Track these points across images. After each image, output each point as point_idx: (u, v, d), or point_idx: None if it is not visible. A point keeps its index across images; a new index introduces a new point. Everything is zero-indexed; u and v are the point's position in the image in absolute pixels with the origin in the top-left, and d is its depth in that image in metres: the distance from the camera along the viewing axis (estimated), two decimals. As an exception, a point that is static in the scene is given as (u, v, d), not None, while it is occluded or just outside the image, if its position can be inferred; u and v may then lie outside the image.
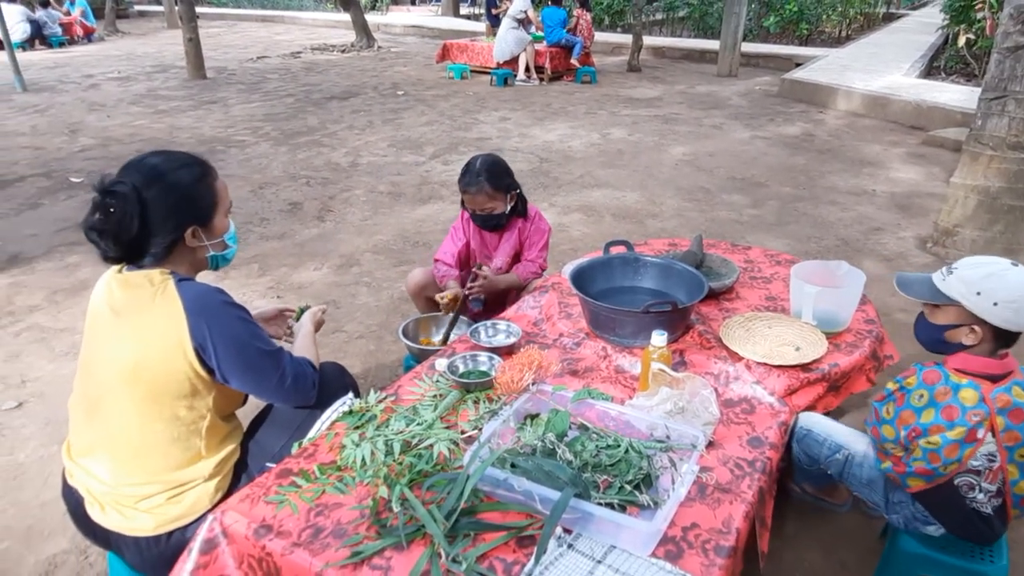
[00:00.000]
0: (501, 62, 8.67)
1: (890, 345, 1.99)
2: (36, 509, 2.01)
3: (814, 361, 1.68)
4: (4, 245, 3.90)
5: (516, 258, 2.46)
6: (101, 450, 1.39)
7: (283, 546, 1.17)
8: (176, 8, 9.66)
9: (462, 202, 2.37)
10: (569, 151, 5.79)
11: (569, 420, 1.41)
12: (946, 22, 9.10)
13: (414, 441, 1.39)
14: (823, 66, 8.88)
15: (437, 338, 2.35)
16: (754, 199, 4.67)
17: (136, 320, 1.33)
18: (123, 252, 1.33)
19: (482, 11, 14.71)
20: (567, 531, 1.19)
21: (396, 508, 1.21)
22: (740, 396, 1.59)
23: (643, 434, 1.39)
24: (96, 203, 1.30)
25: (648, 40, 10.92)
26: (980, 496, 1.40)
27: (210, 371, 1.36)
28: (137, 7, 18.02)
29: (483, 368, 1.68)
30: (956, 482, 1.39)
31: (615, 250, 2.10)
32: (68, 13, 12.56)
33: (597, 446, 1.33)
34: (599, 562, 1.13)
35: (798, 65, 9.30)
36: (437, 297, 2.28)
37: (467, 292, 2.23)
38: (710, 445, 1.41)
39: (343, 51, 11.63)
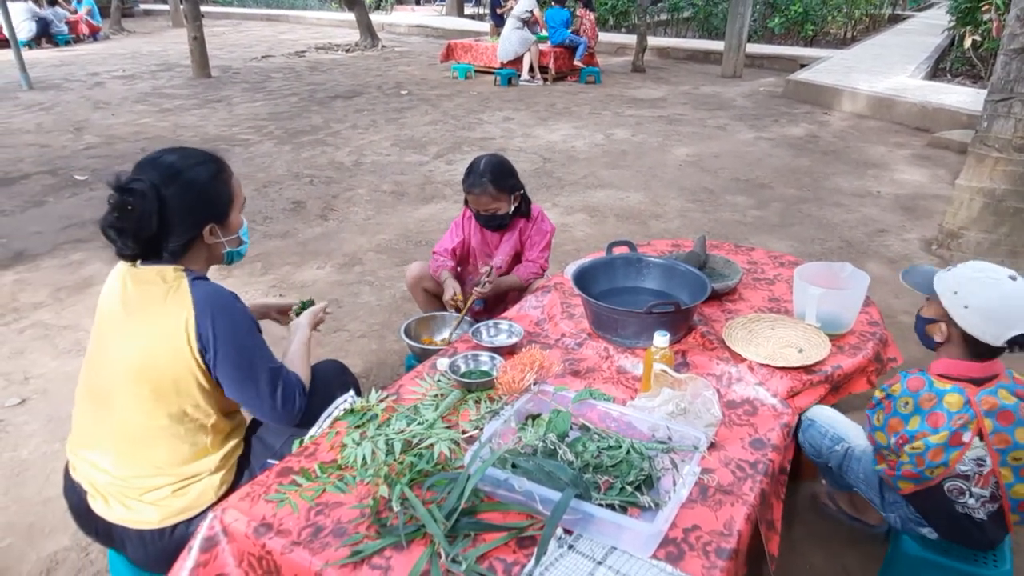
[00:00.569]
0: (505, 62, 8.67)
1: (894, 347, 1.98)
2: (38, 506, 2.02)
3: (817, 363, 1.67)
4: (9, 242, 3.91)
5: (516, 257, 2.46)
6: (108, 443, 1.38)
7: (283, 545, 1.17)
8: (181, 7, 9.68)
9: (466, 200, 2.37)
10: (573, 151, 5.79)
11: (570, 421, 1.40)
12: (952, 23, 9.06)
13: (415, 440, 1.39)
14: (828, 67, 8.85)
15: (439, 337, 2.35)
16: (758, 200, 4.66)
17: (146, 318, 1.33)
18: (140, 249, 1.33)
19: (486, 11, 14.71)
20: (568, 532, 1.19)
21: (396, 508, 1.21)
22: (742, 397, 1.59)
23: (645, 435, 1.38)
24: (114, 201, 1.30)
25: (652, 41, 10.91)
26: (971, 501, 1.38)
27: (209, 371, 1.36)
28: (142, 6, 18.09)
29: (485, 368, 1.68)
30: (946, 487, 1.38)
31: (618, 250, 2.10)
32: (75, 12, 12.61)
33: (598, 447, 1.32)
34: (599, 563, 1.13)
35: (803, 66, 9.27)
36: (448, 300, 2.27)
37: (476, 295, 2.22)
38: (712, 446, 1.40)
39: (347, 50, 11.65)
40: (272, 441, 1.53)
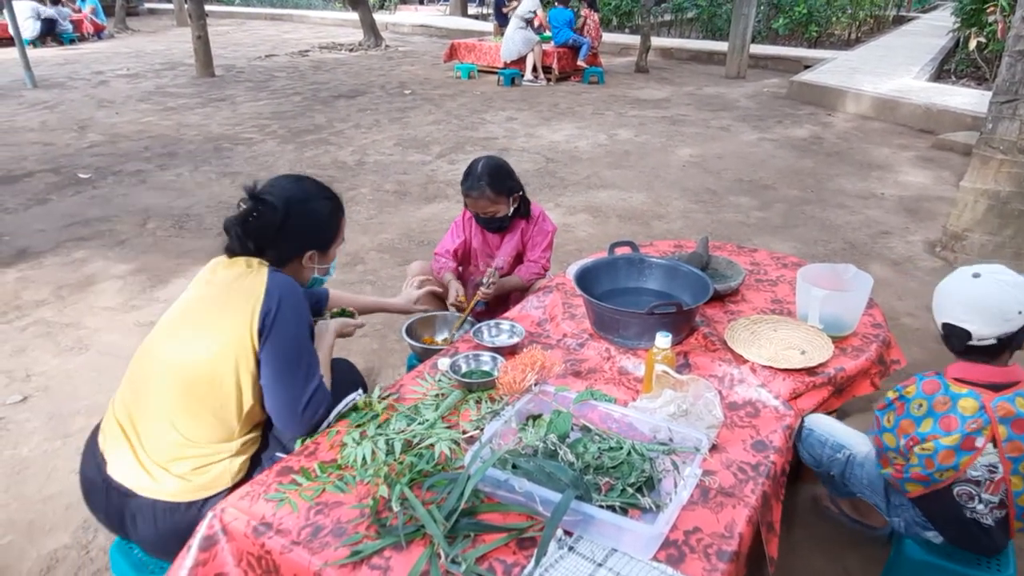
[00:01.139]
0: (508, 62, 8.67)
1: (897, 350, 1.97)
2: (39, 504, 2.02)
3: (820, 365, 1.66)
4: (12, 240, 3.92)
5: (518, 258, 2.46)
6: (153, 409, 1.40)
7: (282, 544, 1.17)
8: (186, 6, 9.69)
9: (464, 201, 2.37)
10: (576, 152, 5.78)
11: (571, 421, 1.40)
12: (957, 25, 9.03)
13: (415, 440, 1.39)
14: (832, 68, 8.83)
15: (440, 337, 2.35)
16: (761, 201, 4.64)
17: (223, 293, 1.41)
18: (249, 249, 1.46)
19: (490, 11, 14.69)
20: (568, 533, 1.18)
21: (396, 508, 1.20)
22: (744, 399, 1.58)
23: (646, 436, 1.38)
24: (246, 205, 1.44)
25: (656, 41, 10.90)
26: (980, 507, 1.37)
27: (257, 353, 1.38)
28: (147, 5, 18.13)
29: (486, 368, 1.67)
30: (955, 491, 1.37)
31: (620, 251, 2.09)
32: (79, 11, 12.64)
33: (599, 448, 1.32)
34: (600, 565, 1.12)
35: (807, 67, 9.25)
36: (453, 302, 2.27)
37: (480, 296, 2.21)
38: (713, 448, 1.39)
39: (351, 50, 11.66)
40: (284, 435, 1.53)
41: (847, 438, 1.59)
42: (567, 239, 3.94)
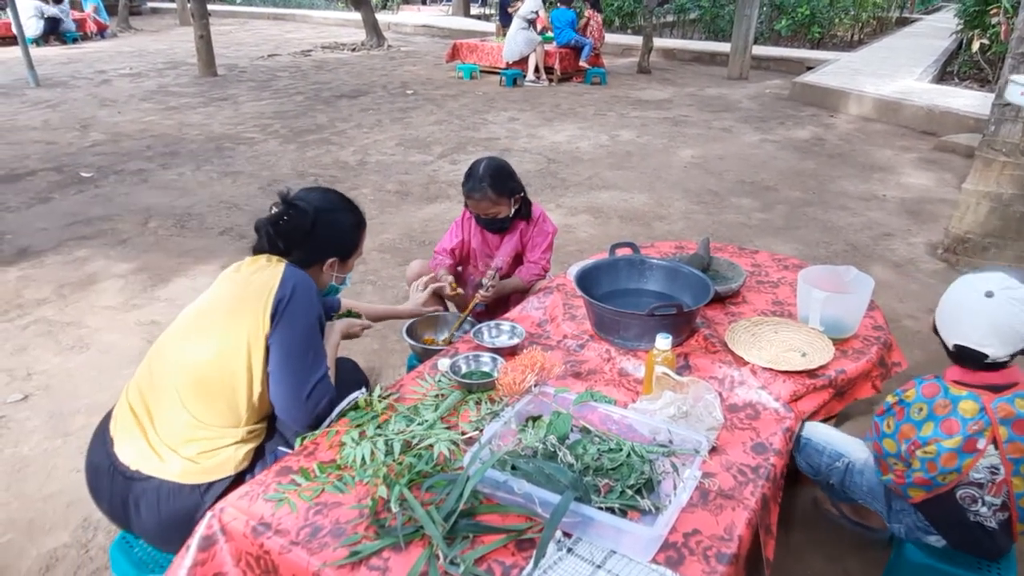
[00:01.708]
0: (511, 62, 8.67)
1: (898, 352, 1.97)
2: (39, 502, 2.02)
3: (820, 367, 1.66)
4: (14, 238, 3.93)
5: (517, 258, 2.46)
6: (170, 390, 1.43)
7: (281, 544, 1.17)
8: (188, 5, 9.72)
9: (465, 202, 2.37)
10: (577, 152, 5.78)
11: (571, 423, 1.39)
12: (960, 27, 9.03)
13: (414, 441, 1.39)
14: (835, 70, 8.82)
15: (441, 337, 2.35)
16: (763, 203, 4.64)
17: (242, 284, 1.47)
18: (278, 249, 1.53)
19: (492, 11, 14.70)
20: (567, 535, 1.18)
21: (395, 508, 1.20)
22: (745, 401, 1.58)
23: (646, 438, 1.37)
24: (278, 209, 1.53)
25: (659, 42, 10.89)
26: (984, 510, 1.37)
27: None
28: (150, 4, 18.15)
29: (486, 369, 1.67)
30: (958, 494, 1.37)
31: (621, 252, 2.09)
32: (81, 9, 12.67)
33: (599, 449, 1.32)
34: (598, 567, 1.12)
35: (809, 69, 9.24)
36: (446, 289, 2.26)
37: (480, 298, 2.21)
38: (713, 450, 1.39)
39: (353, 50, 11.66)
40: (289, 431, 1.54)
41: (844, 446, 1.58)
42: (568, 240, 3.94)
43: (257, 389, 1.42)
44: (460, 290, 2.30)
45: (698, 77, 9.59)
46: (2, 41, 11.42)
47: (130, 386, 1.50)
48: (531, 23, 8.43)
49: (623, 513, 1.20)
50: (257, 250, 1.55)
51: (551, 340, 1.85)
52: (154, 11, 17.92)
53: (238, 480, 1.42)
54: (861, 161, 5.61)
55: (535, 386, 1.53)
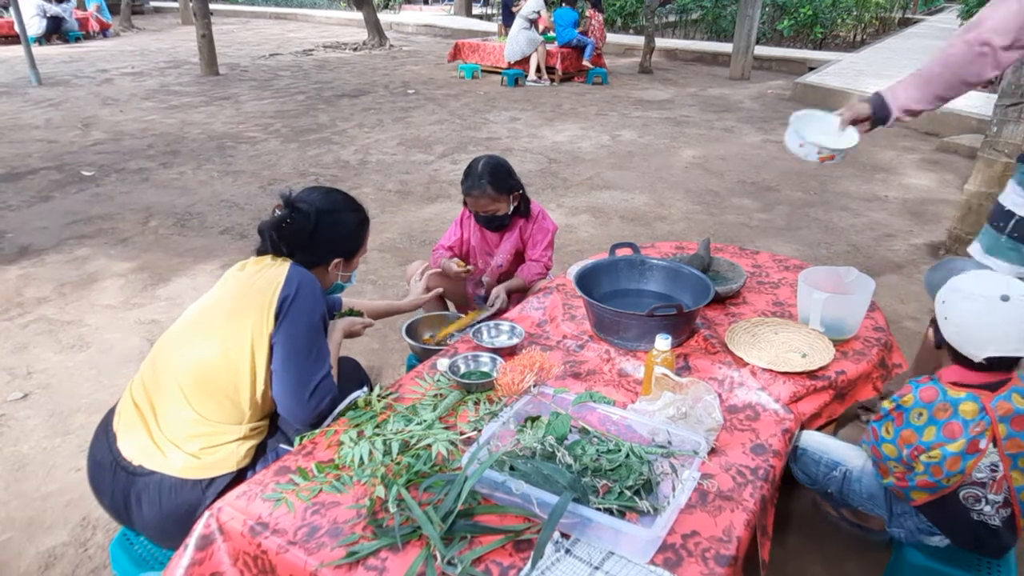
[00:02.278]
0: (512, 62, 8.66)
1: (899, 353, 1.96)
2: (38, 501, 2.02)
3: (820, 368, 1.65)
4: (15, 237, 3.93)
5: (517, 256, 2.45)
6: (174, 386, 1.43)
7: (279, 544, 1.17)
8: (190, 4, 9.72)
9: (464, 200, 2.37)
10: (579, 152, 5.78)
11: (570, 423, 1.39)
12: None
13: (412, 441, 1.38)
14: (837, 71, 8.80)
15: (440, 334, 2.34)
16: (764, 203, 4.63)
17: (246, 282, 1.48)
18: (281, 252, 1.53)
19: (494, 11, 14.69)
20: (565, 536, 1.18)
21: (393, 508, 1.20)
22: (744, 402, 1.57)
23: (644, 439, 1.37)
24: (281, 211, 1.53)
25: (660, 42, 10.88)
26: (987, 508, 1.37)
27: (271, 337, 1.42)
28: (152, 3, 18.17)
29: (485, 369, 1.67)
30: (961, 494, 1.37)
31: (621, 252, 2.08)
32: (84, 8, 12.69)
33: (597, 450, 1.31)
34: (596, 568, 1.11)
35: (811, 69, 9.22)
36: (453, 267, 2.25)
37: (483, 317, 2.21)
38: (712, 451, 1.39)
39: (355, 49, 11.67)
40: (290, 429, 1.54)
41: (841, 454, 1.57)
42: (569, 240, 3.93)
43: (260, 387, 1.43)
44: (469, 267, 2.30)
45: (700, 77, 9.57)
46: (5, 40, 11.44)
47: (134, 382, 1.51)
48: (533, 23, 8.43)
49: (621, 514, 1.19)
50: (261, 252, 1.56)
51: (550, 340, 1.85)
52: (156, 10, 17.94)
53: (240, 476, 1.42)
54: (863, 162, 5.60)
55: (534, 386, 1.52)
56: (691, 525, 1.20)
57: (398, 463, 1.32)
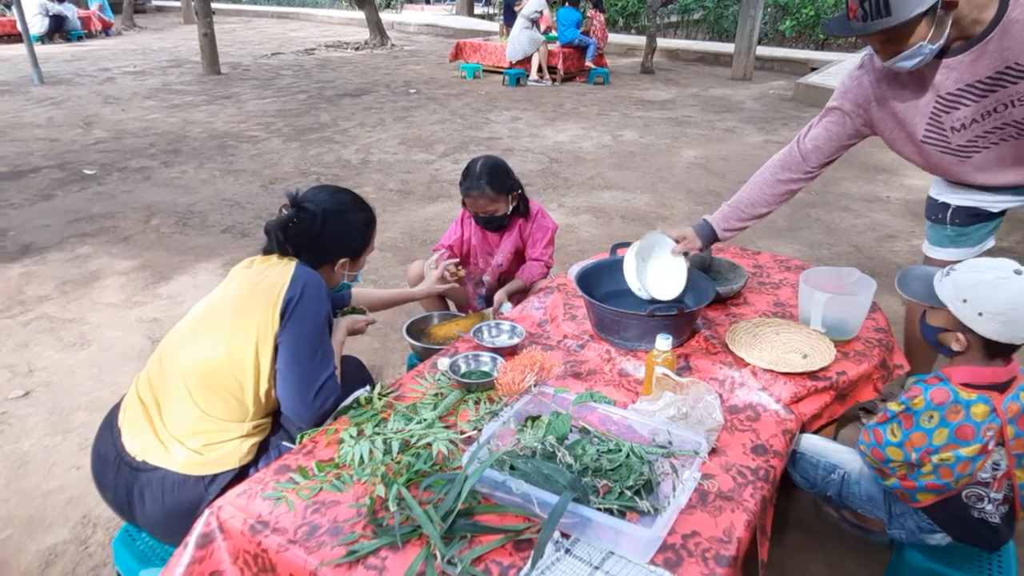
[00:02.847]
0: (514, 62, 8.66)
1: (900, 354, 1.96)
2: (39, 499, 2.02)
3: (822, 369, 1.65)
4: (17, 235, 3.94)
5: (517, 255, 2.45)
6: (179, 383, 1.44)
7: (279, 543, 1.17)
8: (192, 3, 9.74)
9: (463, 200, 2.37)
10: (580, 152, 5.77)
11: (570, 423, 1.39)
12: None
13: (413, 440, 1.38)
14: (839, 71, 8.79)
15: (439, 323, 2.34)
16: (765, 204, 4.62)
17: (252, 281, 1.48)
18: (287, 252, 1.53)
19: (496, 11, 14.68)
20: (565, 536, 1.18)
21: (393, 507, 1.20)
22: (745, 403, 1.57)
23: (645, 439, 1.37)
24: (287, 212, 1.53)
25: (662, 42, 10.87)
26: (988, 507, 1.37)
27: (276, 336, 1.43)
28: (154, 2, 18.19)
29: (485, 368, 1.67)
30: (964, 493, 1.37)
31: (622, 252, 2.08)
32: (86, 7, 12.71)
33: (598, 450, 1.31)
34: (596, 568, 1.11)
35: (813, 70, 9.22)
36: (449, 270, 2.26)
37: (492, 317, 2.21)
38: (713, 452, 1.39)
39: (357, 48, 11.68)
40: (293, 427, 1.55)
41: (838, 457, 1.57)
42: (570, 240, 3.93)
43: (264, 386, 1.43)
44: (462, 273, 2.29)
45: (701, 77, 9.57)
46: (7, 39, 11.47)
47: (140, 378, 1.51)
48: (534, 22, 8.42)
49: (622, 514, 1.19)
50: (267, 252, 1.56)
51: (551, 340, 1.84)
52: (158, 9, 17.96)
53: (242, 473, 1.43)
54: (864, 162, 5.59)
55: (534, 386, 1.52)
56: (691, 525, 1.20)
57: (398, 462, 1.32)
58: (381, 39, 11.96)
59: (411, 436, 1.39)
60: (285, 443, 1.49)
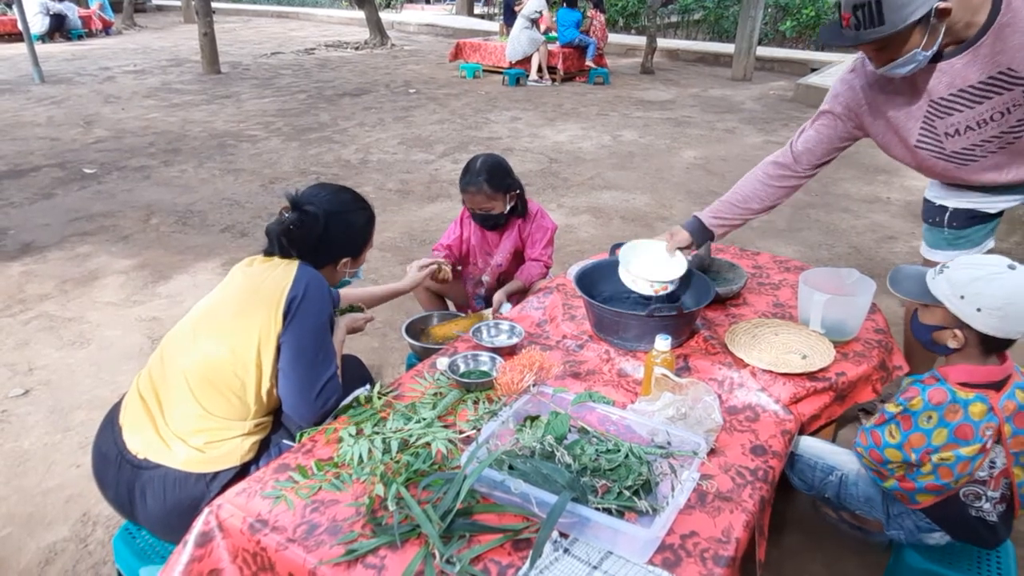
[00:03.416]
0: (514, 62, 8.66)
1: (899, 355, 1.96)
2: (38, 497, 2.02)
3: (821, 370, 1.65)
4: (17, 234, 3.94)
5: (516, 255, 2.45)
6: (180, 381, 1.44)
7: (278, 542, 1.17)
8: (192, 3, 9.74)
9: (463, 199, 2.37)
10: (580, 152, 5.78)
11: (569, 423, 1.39)
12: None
13: (412, 439, 1.38)
14: (839, 72, 8.78)
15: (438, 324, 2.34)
16: (765, 204, 4.62)
17: (254, 281, 1.48)
18: (290, 255, 1.53)
19: (496, 11, 14.68)
20: (563, 535, 1.18)
21: (391, 507, 1.20)
22: (744, 403, 1.57)
23: (644, 439, 1.37)
24: (288, 215, 1.52)
25: (662, 42, 10.88)
26: (986, 505, 1.37)
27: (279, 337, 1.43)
28: (155, 1, 18.19)
29: (484, 368, 1.67)
30: (962, 492, 1.37)
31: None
32: (87, 6, 12.71)
33: (596, 450, 1.31)
34: (595, 568, 1.11)
35: (814, 70, 9.22)
36: (441, 271, 2.26)
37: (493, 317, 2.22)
38: (712, 452, 1.39)
39: (356, 48, 11.68)
40: (294, 425, 1.55)
41: (836, 458, 1.57)
42: (569, 240, 3.93)
43: (266, 385, 1.44)
44: (449, 274, 2.29)
45: (702, 78, 9.57)
46: (8, 38, 11.47)
47: (141, 376, 1.52)
48: (534, 22, 8.42)
49: (620, 514, 1.19)
50: (268, 253, 1.56)
51: (550, 340, 1.85)
52: (159, 8, 17.96)
53: (243, 471, 1.43)
54: (865, 163, 5.59)
55: (533, 386, 1.52)
56: (690, 525, 1.20)
57: (397, 461, 1.32)
58: (381, 39, 11.96)
59: (410, 435, 1.39)
60: (286, 441, 1.50)
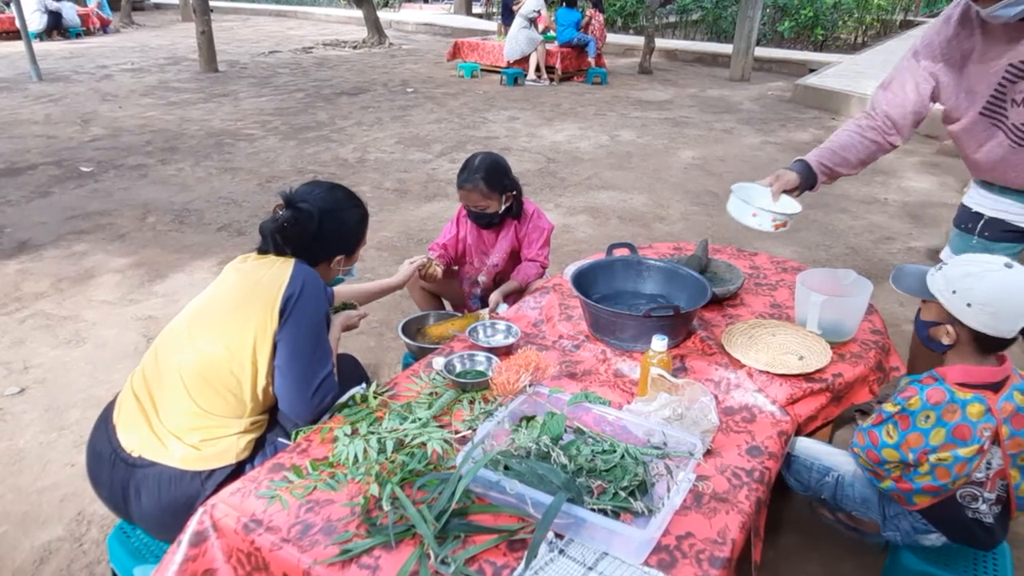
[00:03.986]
0: (512, 61, 8.66)
1: (896, 357, 1.96)
2: (33, 495, 2.02)
3: (818, 371, 1.65)
4: (13, 232, 3.93)
5: (512, 255, 2.45)
6: (176, 379, 1.44)
7: (272, 541, 1.17)
8: (190, 1, 9.72)
9: (459, 194, 2.37)
10: (577, 152, 5.77)
11: (565, 423, 1.39)
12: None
13: (407, 439, 1.38)
14: (837, 72, 8.81)
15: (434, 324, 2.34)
16: (763, 205, 4.63)
17: (250, 279, 1.48)
18: (284, 253, 1.53)
19: (494, 10, 14.67)
20: (559, 536, 1.18)
21: (386, 507, 1.20)
22: (740, 404, 1.57)
23: (640, 440, 1.37)
24: (282, 213, 1.52)
25: (660, 43, 10.88)
26: (983, 507, 1.37)
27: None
28: (153, 0, 18.16)
29: (480, 368, 1.67)
30: (959, 493, 1.37)
31: (618, 252, 2.08)
32: (84, 4, 12.68)
33: (592, 451, 1.31)
34: (590, 568, 1.11)
35: (812, 71, 9.23)
36: (434, 263, 2.26)
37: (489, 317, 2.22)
38: (708, 453, 1.39)
39: (355, 47, 11.66)
40: (289, 424, 1.55)
41: (832, 459, 1.57)
42: (566, 240, 3.93)
43: (262, 383, 1.44)
44: (439, 272, 2.29)
45: (700, 78, 9.58)
46: (6, 35, 11.44)
47: (135, 374, 1.51)
48: (533, 22, 8.42)
49: (616, 515, 1.19)
50: (262, 251, 1.56)
51: (546, 340, 1.84)
52: (156, 7, 17.92)
53: (239, 469, 1.43)
54: (862, 164, 5.60)
55: (529, 386, 1.52)
56: (685, 526, 1.20)
57: (392, 461, 1.31)
58: (379, 38, 11.95)
59: (406, 435, 1.39)
60: (282, 440, 1.49)
